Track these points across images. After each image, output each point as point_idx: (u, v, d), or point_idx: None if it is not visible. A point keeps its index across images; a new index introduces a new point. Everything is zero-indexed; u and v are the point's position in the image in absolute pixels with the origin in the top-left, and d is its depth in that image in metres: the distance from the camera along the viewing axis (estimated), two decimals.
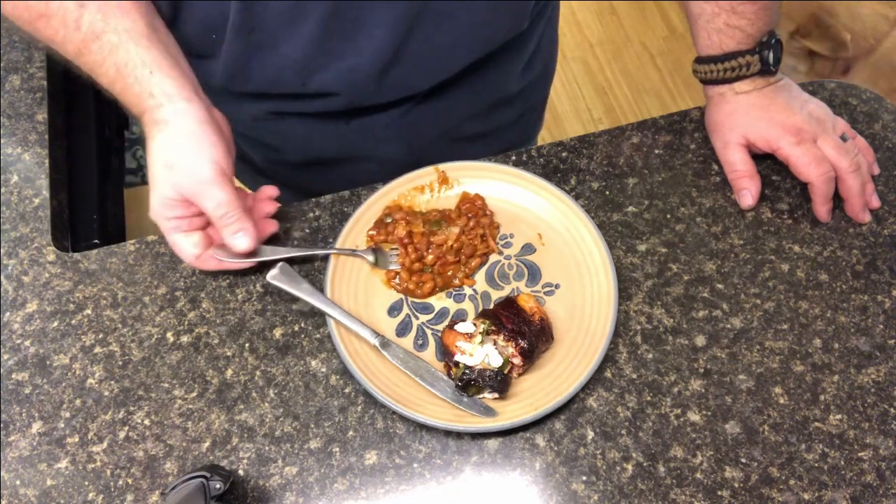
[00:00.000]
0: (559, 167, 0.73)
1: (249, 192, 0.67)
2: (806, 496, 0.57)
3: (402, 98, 0.73)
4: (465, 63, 0.70)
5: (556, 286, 0.67)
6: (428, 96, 0.74)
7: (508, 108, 0.86)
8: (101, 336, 0.65)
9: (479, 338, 0.59)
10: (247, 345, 0.65)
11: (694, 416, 0.61)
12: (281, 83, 0.68)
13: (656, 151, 0.74)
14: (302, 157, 0.83)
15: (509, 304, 0.62)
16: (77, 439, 0.61)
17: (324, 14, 0.60)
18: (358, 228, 0.69)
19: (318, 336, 0.65)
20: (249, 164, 0.91)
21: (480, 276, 0.68)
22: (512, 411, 0.59)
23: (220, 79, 0.68)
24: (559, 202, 0.69)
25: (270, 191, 0.67)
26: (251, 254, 0.65)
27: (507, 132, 0.89)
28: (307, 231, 0.70)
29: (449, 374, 0.61)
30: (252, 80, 0.68)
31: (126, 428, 0.61)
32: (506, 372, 0.59)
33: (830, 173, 0.67)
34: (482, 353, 0.59)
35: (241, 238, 0.60)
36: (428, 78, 0.71)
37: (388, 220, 0.69)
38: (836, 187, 0.69)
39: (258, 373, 0.63)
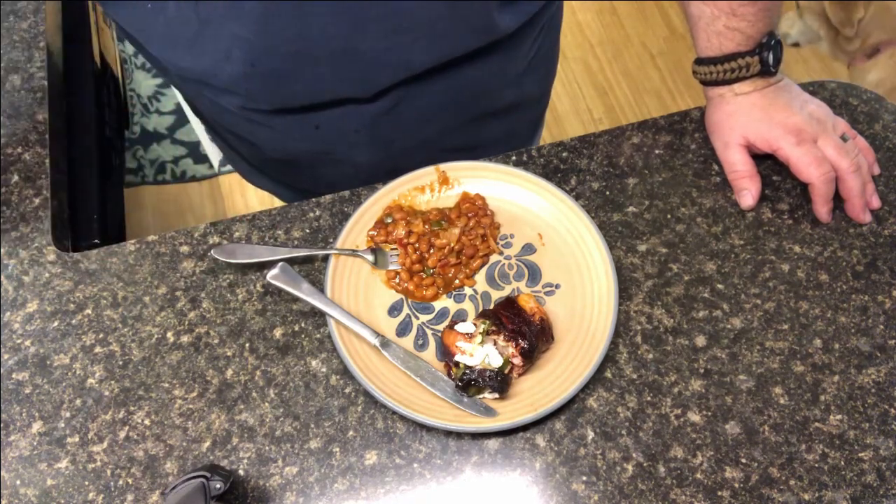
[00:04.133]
0: (559, 167, 0.73)
1: None
2: (806, 496, 0.57)
3: (367, 97, 0.71)
4: (427, 63, 0.69)
5: (557, 286, 0.67)
6: (398, 104, 0.73)
7: (497, 123, 0.84)
8: (101, 336, 0.65)
9: (479, 338, 0.59)
10: (247, 345, 0.65)
11: (694, 417, 0.61)
12: (231, 62, 0.66)
13: (657, 151, 0.74)
14: (280, 154, 0.82)
15: (510, 304, 0.62)
16: (77, 439, 0.61)
17: None
18: (358, 228, 0.69)
19: (318, 336, 0.65)
20: (243, 157, 0.91)
21: (481, 277, 0.68)
22: (512, 411, 0.59)
23: (173, 53, 0.66)
24: (559, 202, 0.69)
25: None
26: (251, 254, 0.66)
27: (496, 148, 0.86)
28: (307, 231, 0.70)
29: (449, 374, 0.61)
30: (205, 54, 0.66)
31: (126, 428, 0.61)
32: (506, 372, 0.59)
33: (831, 174, 0.67)
34: (482, 353, 0.59)
35: None
36: (388, 73, 0.69)
37: (389, 220, 0.69)
38: (836, 188, 0.69)
39: (258, 373, 0.63)
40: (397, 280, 0.67)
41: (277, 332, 0.65)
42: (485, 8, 0.66)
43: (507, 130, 0.88)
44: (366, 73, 0.68)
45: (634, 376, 0.62)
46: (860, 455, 0.59)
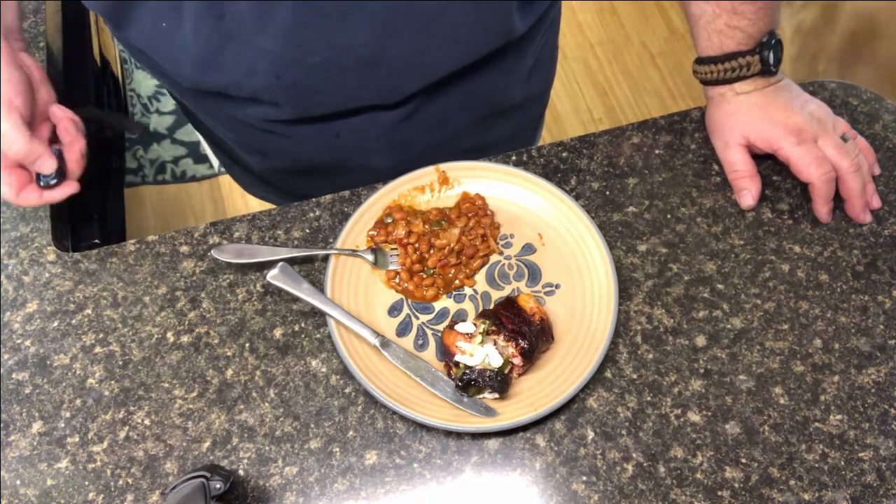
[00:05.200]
0: (559, 167, 0.73)
1: (50, 119, 0.67)
2: (806, 496, 0.57)
3: (389, 105, 0.72)
4: (450, 68, 0.69)
5: (557, 286, 0.67)
6: (417, 110, 0.73)
7: (505, 122, 0.84)
8: (101, 336, 0.65)
9: (479, 338, 0.59)
10: (247, 345, 0.65)
11: (694, 417, 0.61)
12: (255, 75, 0.66)
13: (657, 151, 0.74)
14: (294, 164, 0.82)
15: (510, 304, 0.62)
16: (77, 439, 0.61)
17: (295, 4, 0.59)
18: (358, 228, 0.69)
19: (318, 336, 0.65)
20: (247, 169, 0.91)
21: (481, 277, 0.68)
22: (512, 411, 0.59)
23: (190, 70, 0.65)
24: (559, 202, 0.69)
25: (59, 111, 0.66)
26: (251, 254, 0.66)
27: (502, 147, 0.87)
28: (307, 231, 0.70)
29: (449, 374, 0.61)
30: (225, 70, 0.65)
31: (126, 428, 0.61)
32: (506, 372, 0.59)
33: (831, 174, 0.67)
34: (482, 353, 0.59)
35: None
36: (411, 80, 0.69)
37: (389, 220, 0.69)
38: (836, 188, 0.69)
39: (258, 373, 0.63)
40: (397, 280, 0.67)
41: (277, 332, 0.65)
42: (505, 10, 0.67)
43: (513, 129, 0.88)
44: (390, 81, 0.68)
45: (634, 376, 0.62)
46: (860, 455, 0.59)
